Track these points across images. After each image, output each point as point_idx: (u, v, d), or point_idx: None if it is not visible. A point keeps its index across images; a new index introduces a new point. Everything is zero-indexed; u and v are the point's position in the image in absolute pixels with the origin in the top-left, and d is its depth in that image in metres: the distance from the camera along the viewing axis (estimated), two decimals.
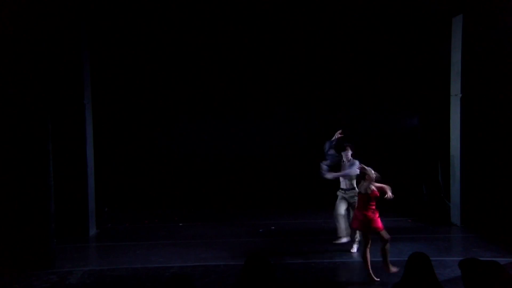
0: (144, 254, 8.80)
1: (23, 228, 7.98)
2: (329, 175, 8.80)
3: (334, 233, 10.40)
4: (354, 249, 8.73)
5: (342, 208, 8.91)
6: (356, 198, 8.15)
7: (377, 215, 7.24)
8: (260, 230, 10.69)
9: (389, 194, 7.22)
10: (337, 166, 8.96)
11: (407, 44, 12.45)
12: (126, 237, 10.27)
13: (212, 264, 8.18)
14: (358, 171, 8.01)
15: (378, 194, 7.19)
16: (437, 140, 12.07)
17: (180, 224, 11.37)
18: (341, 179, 8.92)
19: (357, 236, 8.66)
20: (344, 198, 8.93)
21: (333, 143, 9.02)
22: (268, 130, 13.59)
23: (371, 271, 7.18)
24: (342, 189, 8.96)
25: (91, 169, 10.64)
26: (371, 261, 7.25)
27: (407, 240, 9.34)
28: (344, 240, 8.89)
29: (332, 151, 9.01)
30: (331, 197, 10.59)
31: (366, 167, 7.32)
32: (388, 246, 7.16)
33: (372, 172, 7.22)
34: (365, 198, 7.21)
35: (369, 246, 7.24)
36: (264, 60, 13.02)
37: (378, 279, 7.14)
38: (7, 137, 8.02)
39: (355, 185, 8.71)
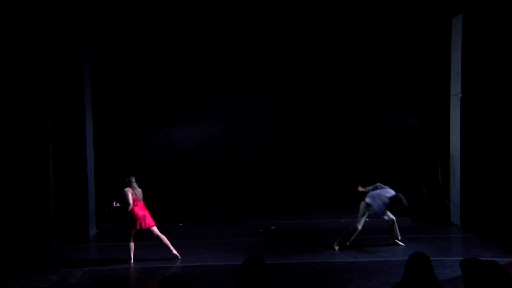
0: (144, 254, 8.79)
1: (23, 228, 7.98)
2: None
3: (334, 233, 10.43)
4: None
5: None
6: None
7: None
8: (260, 230, 10.68)
9: None
10: None
11: (407, 44, 12.46)
12: (126, 237, 10.25)
13: (212, 264, 8.19)
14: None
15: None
16: (437, 140, 12.07)
17: (180, 224, 11.37)
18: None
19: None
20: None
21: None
22: (268, 130, 13.60)
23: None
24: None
25: (91, 169, 10.64)
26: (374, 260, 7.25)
27: (407, 240, 9.34)
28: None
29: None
30: (331, 197, 10.60)
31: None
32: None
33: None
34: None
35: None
36: (264, 60, 13.02)
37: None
38: (7, 138, 8.03)
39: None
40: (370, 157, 13.49)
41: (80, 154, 10.25)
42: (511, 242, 8.91)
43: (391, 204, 8.67)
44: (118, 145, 12.75)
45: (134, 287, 7.36)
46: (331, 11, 11.13)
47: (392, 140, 13.39)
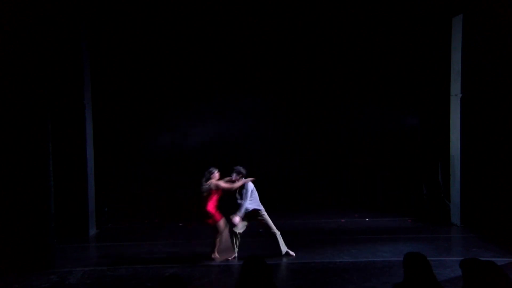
0: (144, 254, 8.79)
1: (23, 228, 7.97)
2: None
3: (334, 233, 10.44)
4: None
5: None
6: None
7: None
8: (260, 230, 10.67)
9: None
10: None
11: (407, 44, 12.46)
12: (126, 237, 10.27)
13: (212, 264, 8.18)
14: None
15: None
16: (437, 140, 12.08)
17: (180, 224, 11.37)
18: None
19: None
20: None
21: None
22: (268, 130, 13.59)
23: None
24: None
25: (91, 169, 10.64)
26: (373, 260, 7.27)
27: (407, 240, 9.36)
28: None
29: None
30: (330, 197, 10.59)
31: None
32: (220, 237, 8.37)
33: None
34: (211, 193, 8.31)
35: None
36: (264, 60, 13.01)
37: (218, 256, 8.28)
38: (7, 137, 8.01)
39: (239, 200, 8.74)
40: (370, 157, 13.49)
41: (80, 154, 10.25)
42: (511, 242, 8.92)
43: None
44: (118, 145, 12.74)
45: (134, 287, 7.36)
46: (331, 11, 11.13)
47: (392, 140, 13.39)
